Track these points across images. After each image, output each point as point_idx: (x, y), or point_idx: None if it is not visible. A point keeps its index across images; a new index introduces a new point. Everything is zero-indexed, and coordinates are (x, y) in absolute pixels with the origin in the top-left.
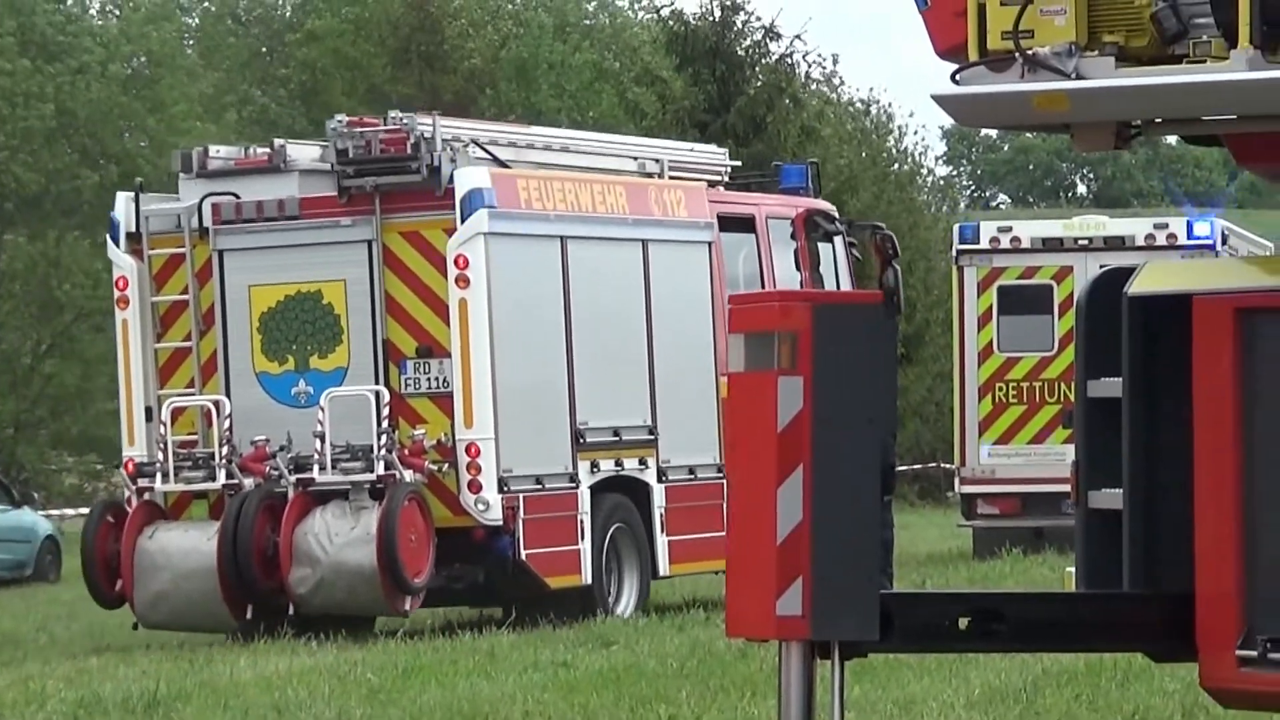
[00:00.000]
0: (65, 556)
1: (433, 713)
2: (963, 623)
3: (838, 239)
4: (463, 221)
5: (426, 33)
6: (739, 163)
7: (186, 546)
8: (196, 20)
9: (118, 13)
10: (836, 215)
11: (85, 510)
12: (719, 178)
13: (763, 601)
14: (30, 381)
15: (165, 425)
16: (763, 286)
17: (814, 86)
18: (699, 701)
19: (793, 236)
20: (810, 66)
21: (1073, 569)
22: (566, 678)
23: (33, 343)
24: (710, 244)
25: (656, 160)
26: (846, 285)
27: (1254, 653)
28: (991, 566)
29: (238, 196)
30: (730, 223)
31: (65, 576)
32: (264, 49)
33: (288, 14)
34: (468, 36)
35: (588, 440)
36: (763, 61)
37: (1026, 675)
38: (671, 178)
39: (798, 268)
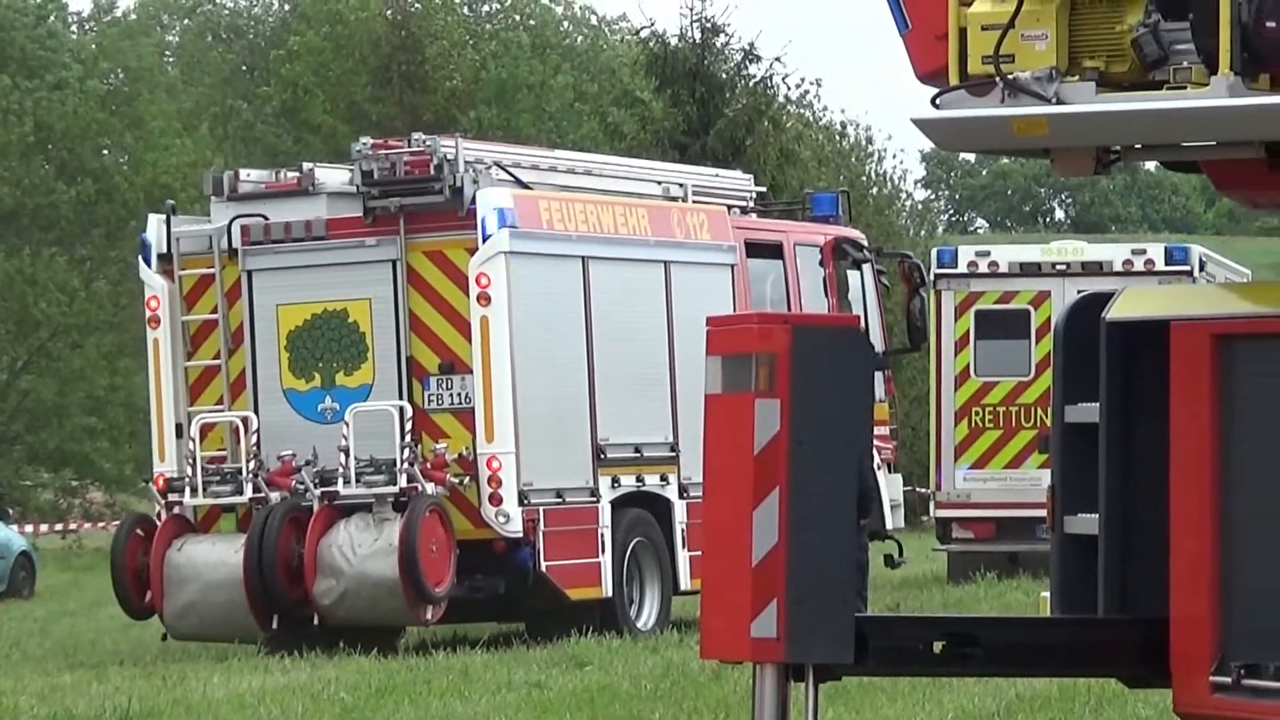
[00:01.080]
0: (40, 572)
1: None
2: (937, 646)
3: (866, 267)
4: (484, 241)
5: (408, 52)
6: (764, 189)
7: (214, 559)
8: (177, 38)
9: (95, 29)
10: (866, 243)
11: (60, 527)
12: (744, 203)
13: (737, 623)
14: (6, 397)
15: (194, 441)
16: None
17: (790, 109)
18: None
19: (821, 263)
20: (790, 89)
21: (1047, 594)
22: (540, 698)
23: (9, 359)
24: (733, 266)
25: (680, 185)
26: (875, 313)
27: (1228, 679)
28: (966, 590)
29: (266, 218)
30: (759, 249)
31: (39, 593)
32: (244, 66)
33: (268, 31)
34: (449, 57)
35: (609, 456)
36: (742, 84)
37: (1000, 700)
38: (696, 202)
39: (825, 294)
